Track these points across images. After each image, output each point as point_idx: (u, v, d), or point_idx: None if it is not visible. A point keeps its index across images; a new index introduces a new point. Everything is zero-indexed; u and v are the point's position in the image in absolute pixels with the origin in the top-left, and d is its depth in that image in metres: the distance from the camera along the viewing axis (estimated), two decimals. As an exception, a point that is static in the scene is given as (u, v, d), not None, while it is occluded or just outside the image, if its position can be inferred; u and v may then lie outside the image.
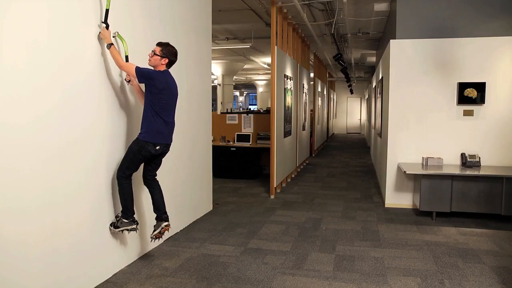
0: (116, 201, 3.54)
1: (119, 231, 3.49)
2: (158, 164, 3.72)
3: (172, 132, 3.64)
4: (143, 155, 3.46)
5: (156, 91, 3.37)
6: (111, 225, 3.48)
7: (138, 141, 3.44)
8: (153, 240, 3.69)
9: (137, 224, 3.55)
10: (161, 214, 3.70)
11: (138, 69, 3.32)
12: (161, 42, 3.50)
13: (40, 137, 2.72)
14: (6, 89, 2.46)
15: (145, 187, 3.81)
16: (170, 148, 3.70)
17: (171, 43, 3.57)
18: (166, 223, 3.68)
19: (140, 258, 3.94)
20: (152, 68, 3.46)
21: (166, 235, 4.50)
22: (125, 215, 3.47)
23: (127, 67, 3.35)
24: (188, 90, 4.93)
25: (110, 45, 3.27)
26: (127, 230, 3.50)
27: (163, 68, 3.48)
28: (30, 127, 2.64)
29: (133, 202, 3.52)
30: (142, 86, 3.63)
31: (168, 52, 3.47)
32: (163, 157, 3.71)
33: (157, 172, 3.77)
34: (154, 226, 3.69)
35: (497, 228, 4.99)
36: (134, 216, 3.54)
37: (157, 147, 3.48)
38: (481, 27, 5.73)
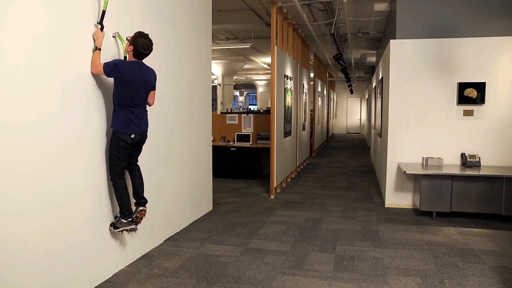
0: (115, 201, 3.54)
1: (119, 231, 3.49)
2: (138, 151, 3.65)
3: (145, 119, 3.53)
4: (122, 146, 3.37)
5: (118, 82, 3.25)
6: (110, 225, 3.48)
7: (113, 134, 3.38)
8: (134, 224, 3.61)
9: (136, 224, 3.55)
10: (139, 199, 3.67)
11: (105, 64, 3.22)
12: (139, 32, 3.38)
13: (39, 138, 2.73)
14: (6, 90, 2.46)
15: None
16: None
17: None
18: (141, 207, 3.64)
19: (140, 258, 3.94)
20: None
21: (166, 235, 4.51)
22: (124, 215, 3.46)
23: (96, 69, 3.21)
24: (188, 90, 4.93)
25: (97, 48, 3.19)
26: (127, 230, 3.51)
27: (131, 57, 3.36)
28: (29, 127, 2.64)
29: (129, 201, 3.51)
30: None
31: (136, 41, 3.32)
32: (143, 144, 3.63)
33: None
34: (134, 211, 3.63)
35: (497, 228, 4.99)
36: (133, 216, 3.54)
37: (132, 135, 3.38)
38: (481, 27, 5.73)
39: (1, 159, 2.45)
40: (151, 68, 3.56)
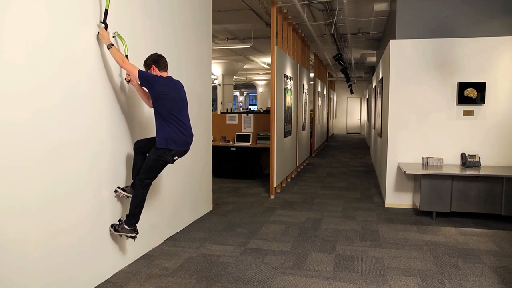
0: (116, 202, 3.55)
1: (118, 234, 3.49)
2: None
3: (191, 138, 3.55)
4: (161, 164, 3.46)
5: (156, 96, 3.33)
6: (111, 226, 3.47)
7: (156, 150, 3.40)
8: (117, 193, 3.51)
9: (137, 233, 3.52)
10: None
11: (140, 72, 3.30)
12: (144, 62, 3.51)
13: (39, 136, 2.72)
14: (6, 88, 2.46)
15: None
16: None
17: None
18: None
19: (140, 258, 3.94)
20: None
21: (166, 235, 4.51)
22: (129, 222, 3.45)
23: (131, 68, 3.31)
24: (188, 90, 4.87)
25: (110, 45, 3.24)
26: (126, 236, 3.50)
27: (159, 74, 3.44)
28: (29, 125, 2.64)
29: (141, 211, 3.50)
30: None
31: (150, 60, 3.45)
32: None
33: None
34: (127, 188, 3.55)
35: (497, 228, 4.99)
36: (137, 225, 3.51)
37: (175, 157, 3.47)
38: (481, 27, 5.73)
39: (1, 157, 2.45)
40: (179, 81, 3.60)
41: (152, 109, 3.59)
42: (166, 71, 3.51)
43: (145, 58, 3.49)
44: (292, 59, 8.15)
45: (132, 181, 3.60)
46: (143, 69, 3.45)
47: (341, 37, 10.88)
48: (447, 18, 5.86)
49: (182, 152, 3.53)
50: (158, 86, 3.32)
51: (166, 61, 3.52)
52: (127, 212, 3.53)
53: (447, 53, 5.76)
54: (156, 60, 3.45)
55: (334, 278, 3.54)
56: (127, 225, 3.44)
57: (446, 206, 5.24)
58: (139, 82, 3.37)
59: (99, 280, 3.38)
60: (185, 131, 3.47)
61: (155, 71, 3.42)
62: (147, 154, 3.54)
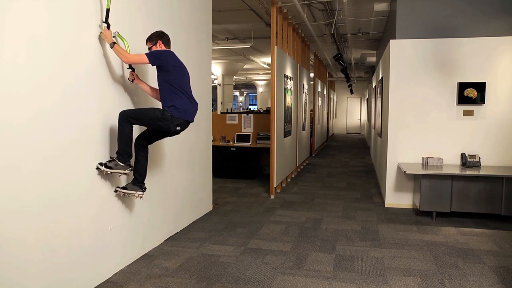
0: (116, 201, 3.55)
1: (109, 171, 3.26)
2: (161, 138, 3.74)
3: (196, 108, 3.58)
4: (160, 126, 3.36)
5: (170, 68, 3.37)
6: (100, 164, 3.25)
7: (164, 112, 3.34)
8: (117, 193, 3.48)
9: (131, 168, 3.41)
10: (142, 180, 3.57)
11: (148, 54, 3.33)
12: (147, 38, 3.55)
13: (40, 136, 2.72)
14: (6, 87, 2.46)
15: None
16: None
17: (171, 42, 3.59)
18: (142, 193, 3.54)
19: (140, 258, 3.94)
20: None
21: (166, 235, 4.51)
22: (122, 158, 3.31)
23: (137, 57, 3.35)
24: (188, 90, 4.93)
25: (113, 44, 3.25)
26: (119, 173, 3.35)
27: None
28: (30, 125, 2.64)
29: (131, 146, 3.40)
30: (148, 81, 3.63)
31: (155, 35, 3.50)
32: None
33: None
34: (127, 186, 3.51)
35: (497, 228, 4.99)
36: (131, 160, 3.40)
37: (178, 127, 3.43)
38: (481, 27, 5.73)
39: (1, 157, 2.45)
40: None
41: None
42: (170, 48, 3.58)
43: (148, 36, 3.52)
44: (292, 59, 8.15)
45: (133, 177, 3.57)
46: (146, 47, 3.52)
47: (341, 37, 10.88)
48: (447, 18, 5.86)
49: (187, 123, 3.51)
50: (171, 58, 3.42)
51: (170, 38, 3.59)
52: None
53: (447, 53, 5.76)
54: (162, 36, 3.53)
55: (334, 278, 3.54)
56: (122, 161, 3.31)
57: (446, 206, 5.24)
58: (151, 64, 3.34)
59: (99, 280, 3.38)
60: (193, 101, 3.56)
61: (161, 46, 3.49)
62: (149, 146, 3.56)
